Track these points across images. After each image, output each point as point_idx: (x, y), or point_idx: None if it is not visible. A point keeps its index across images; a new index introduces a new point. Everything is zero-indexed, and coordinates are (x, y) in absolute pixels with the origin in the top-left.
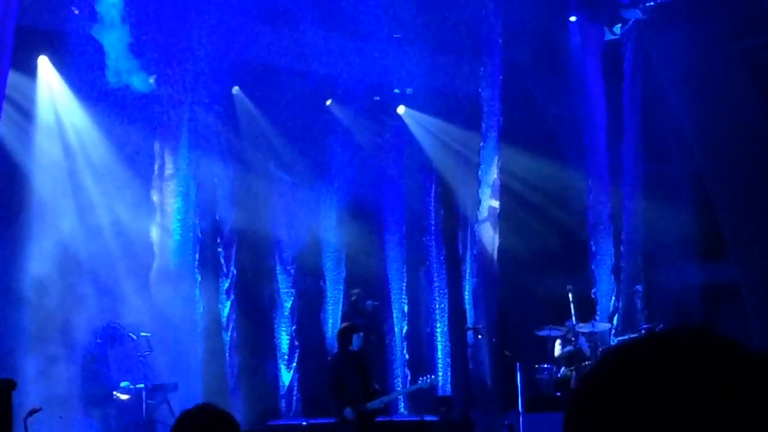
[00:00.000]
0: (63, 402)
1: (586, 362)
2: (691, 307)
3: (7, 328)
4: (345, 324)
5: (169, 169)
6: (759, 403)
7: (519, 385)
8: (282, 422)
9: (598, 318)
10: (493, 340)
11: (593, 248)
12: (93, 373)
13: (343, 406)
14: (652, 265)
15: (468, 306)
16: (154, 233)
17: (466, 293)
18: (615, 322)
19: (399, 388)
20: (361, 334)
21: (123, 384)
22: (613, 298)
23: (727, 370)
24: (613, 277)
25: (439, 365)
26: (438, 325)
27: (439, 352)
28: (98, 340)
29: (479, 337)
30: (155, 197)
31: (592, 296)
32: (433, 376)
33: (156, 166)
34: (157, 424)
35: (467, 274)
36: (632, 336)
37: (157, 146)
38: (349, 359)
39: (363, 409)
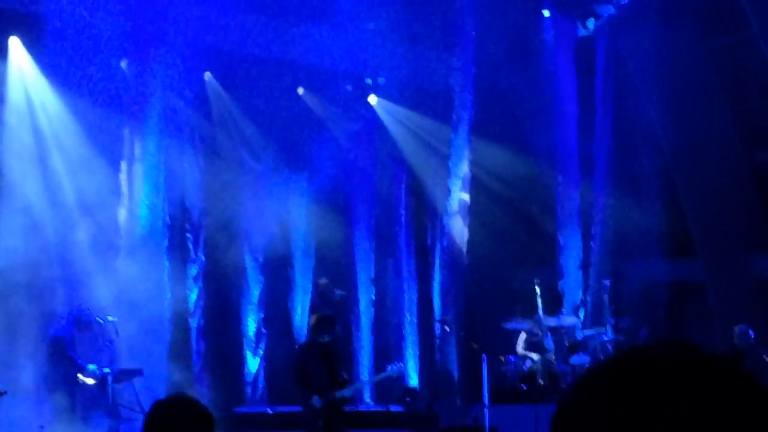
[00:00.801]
0: (28, 385)
1: (549, 353)
2: (657, 302)
3: None
4: (323, 314)
5: (138, 154)
6: (738, 414)
7: (485, 377)
8: (247, 409)
9: (564, 311)
10: (461, 332)
11: (562, 242)
12: (59, 357)
13: (309, 394)
14: (620, 260)
15: (436, 297)
16: (122, 217)
17: (435, 285)
18: (582, 315)
19: (366, 377)
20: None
21: (90, 367)
22: (581, 292)
23: (710, 383)
24: (581, 271)
25: (407, 356)
26: (406, 315)
27: (407, 343)
28: (63, 323)
29: (447, 328)
30: (123, 181)
31: (560, 290)
32: (401, 364)
33: (125, 150)
34: (121, 408)
35: (436, 266)
36: (599, 330)
37: (126, 130)
38: (316, 349)
39: (331, 397)
